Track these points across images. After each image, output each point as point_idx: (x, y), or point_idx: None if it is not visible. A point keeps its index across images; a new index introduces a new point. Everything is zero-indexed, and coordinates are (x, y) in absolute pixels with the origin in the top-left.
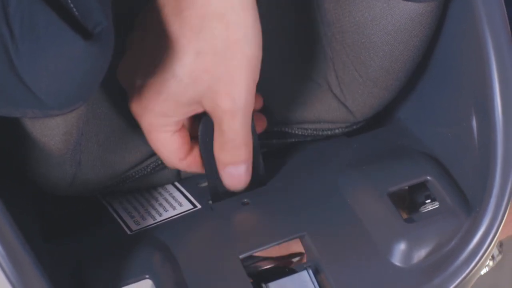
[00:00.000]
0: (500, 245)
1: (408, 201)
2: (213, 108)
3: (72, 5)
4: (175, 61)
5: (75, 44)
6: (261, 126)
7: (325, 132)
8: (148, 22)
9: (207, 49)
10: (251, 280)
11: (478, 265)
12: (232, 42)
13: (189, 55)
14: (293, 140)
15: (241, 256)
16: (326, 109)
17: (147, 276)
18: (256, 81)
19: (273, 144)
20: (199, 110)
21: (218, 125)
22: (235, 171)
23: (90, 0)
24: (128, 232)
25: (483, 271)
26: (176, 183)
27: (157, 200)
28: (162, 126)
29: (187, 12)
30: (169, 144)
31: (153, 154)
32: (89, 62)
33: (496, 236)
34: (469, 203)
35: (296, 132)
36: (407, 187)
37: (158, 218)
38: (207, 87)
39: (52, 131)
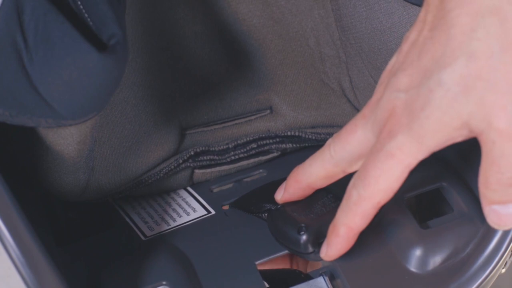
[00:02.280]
0: None
1: (423, 207)
2: (482, 129)
3: (86, 15)
4: (443, 67)
5: (89, 56)
6: None
7: None
8: (413, 36)
9: (481, 50)
10: (268, 286)
11: (493, 271)
12: (510, 42)
13: (459, 58)
14: (307, 144)
15: (257, 262)
16: (339, 114)
17: (164, 282)
18: None
19: (287, 149)
20: (458, 138)
21: (487, 152)
22: (503, 210)
23: (105, 11)
24: (143, 238)
25: None
26: (189, 188)
27: (170, 205)
28: (408, 155)
29: (456, 12)
30: (397, 180)
31: (166, 158)
32: (103, 73)
33: None
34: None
35: (310, 136)
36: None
37: (172, 224)
38: (478, 99)
39: (66, 141)
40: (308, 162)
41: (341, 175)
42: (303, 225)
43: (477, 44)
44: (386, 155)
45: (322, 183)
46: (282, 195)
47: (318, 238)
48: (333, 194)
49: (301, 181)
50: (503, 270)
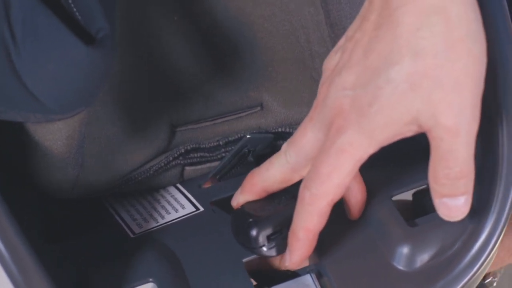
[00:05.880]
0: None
1: (411, 205)
2: (430, 126)
3: (75, 9)
4: (390, 65)
5: (77, 49)
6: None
7: None
8: (357, 35)
9: (426, 49)
10: (255, 284)
11: (481, 269)
12: (455, 40)
13: (406, 56)
14: None
15: (244, 260)
16: None
17: (151, 279)
18: (482, 93)
19: (277, 146)
20: (408, 133)
21: (435, 148)
22: (452, 202)
23: (93, 4)
24: (131, 235)
25: None
26: (178, 185)
27: (159, 202)
28: (358, 149)
29: (401, 10)
30: (348, 175)
31: (156, 156)
32: (91, 67)
33: (499, 240)
34: (472, 207)
35: None
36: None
37: (161, 221)
38: (426, 97)
39: (54, 135)
40: (264, 166)
41: (297, 179)
42: (251, 220)
43: (423, 43)
44: (337, 151)
45: (278, 187)
46: (238, 200)
47: (268, 232)
48: (291, 193)
49: (257, 185)
50: None
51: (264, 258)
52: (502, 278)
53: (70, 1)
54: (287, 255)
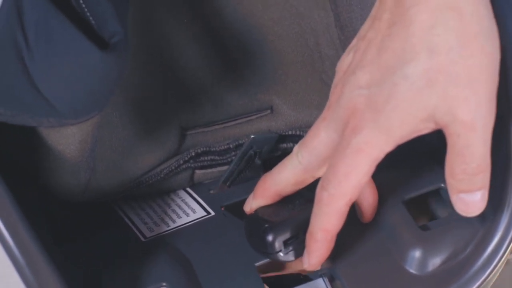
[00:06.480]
0: None
1: (422, 209)
2: (447, 122)
3: (88, 14)
4: (405, 62)
5: (90, 54)
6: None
7: None
8: (370, 34)
9: (440, 46)
10: None
11: (493, 273)
12: (468, 37)
13: (421, 53)
14: None
15: (256, 264)
16: None
17: (164, 283)
18: (497, 88)
19: (287, 149)
20: (424, 130)
21: (453, 144)
22: (469, 198)
23: (107, 9)
24: (142, 239)
25: None
26: (188, 189)
27: (170, 206)
28: (375, 148)
29: (415, 9)
30: (366, 174)
31: (167, 159)
32: (104, 71)
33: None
34: (484, 210)
35: None
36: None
37: (172, 225)
38: (442, 92)
39: (67, 140)
40: (276, 169)
41: (310, 180)
42: (267, 225)
43: (437, 40)
44: (353, 150)
45: (291, 189)
46: (250, 205)
47: (285, 237)
48: (305, 197)
49: (270, 189)
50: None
51: (278, 263)
52: (503, 278)
53: (83, 6)
54: (305, 257)
